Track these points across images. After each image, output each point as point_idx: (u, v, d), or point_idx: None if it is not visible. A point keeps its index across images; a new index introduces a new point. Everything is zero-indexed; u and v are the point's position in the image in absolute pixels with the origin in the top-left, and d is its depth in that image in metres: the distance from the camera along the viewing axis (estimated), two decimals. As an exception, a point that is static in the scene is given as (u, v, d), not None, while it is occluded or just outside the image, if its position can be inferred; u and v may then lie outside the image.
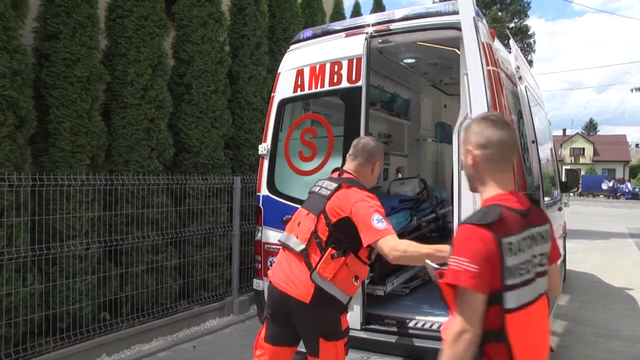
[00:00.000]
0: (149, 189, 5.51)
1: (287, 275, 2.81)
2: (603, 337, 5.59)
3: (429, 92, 7.31)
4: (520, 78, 4.32)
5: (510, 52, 4.50)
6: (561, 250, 6.92)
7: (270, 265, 3.90)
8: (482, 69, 2.89)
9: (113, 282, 5.25)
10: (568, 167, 43.83)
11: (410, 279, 4.84)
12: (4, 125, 4.23)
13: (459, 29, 3.23)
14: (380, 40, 4.05)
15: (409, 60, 5.80)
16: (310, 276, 2.72)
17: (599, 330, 5.86)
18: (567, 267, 8.38)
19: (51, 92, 4.83)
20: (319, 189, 2.93)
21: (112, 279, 5.24)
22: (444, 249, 2.46)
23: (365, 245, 2.66)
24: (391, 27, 3.94)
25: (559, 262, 2.08)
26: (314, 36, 4.36)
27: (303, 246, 2.79)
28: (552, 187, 5.70)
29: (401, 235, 4.07)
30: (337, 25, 4.38)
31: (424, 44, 4.70)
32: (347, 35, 4.16)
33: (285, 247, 2.92)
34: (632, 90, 20.47)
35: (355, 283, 2.81)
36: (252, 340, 3.22)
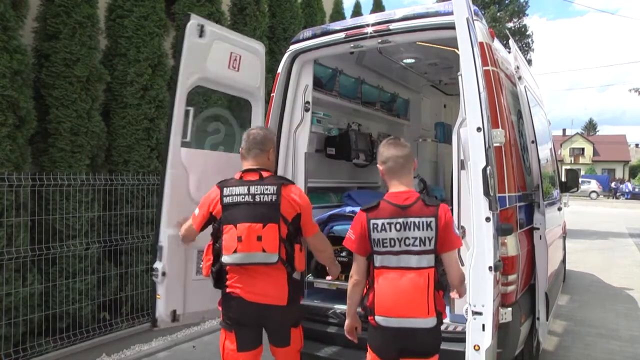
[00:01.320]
0: (148, 189, 5.51)
1: (260, 288, 2.90)
2: (603, 337, 5.59)
3: (428, 92, 7.31)
4: (519, 78, 4.33)
5: (509, 52, 4.51)
6: (561, 250, 6.95)
7: None
8: (476, 70, 2.89)
9: (113, 282, 5.25)
10: (568, 167, 43.82)
11: None
12: (4, 125, 4.23)
13: (457, 29, 3.23)
14: (379, 40, 4.05)
15: (409, 61, 5.80)
16: (292, 275, 2.96)
17: (599, 330, 5.86)
18: (567, 267, 8.39)
19: (51, 92, 4.84)
20: (252, 198, 2.89)
21: (112, 279, 5.24)
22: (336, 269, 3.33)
23: (310, 235, 3.06)
24: (391, 27, 3.93)
25: (453, 252, 2.72)
26: (314, 36, 4.35)
27: (277, 255, 2.87)
28: (551, 187, 5.70)
29: None
30: (337, 25, 4.37)
31: (424, 44, 4.70)
32: (346, 36, 4.16)
33: (248, 265, 2.88)
34: (630, 90, 20.43)
35: None
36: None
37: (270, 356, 3.17)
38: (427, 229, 2.59)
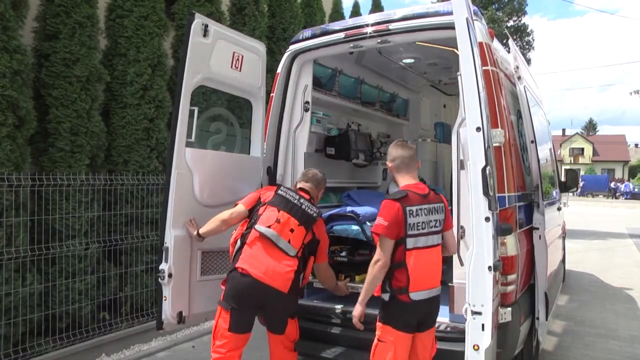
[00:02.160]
0: (148, 189, 5.51)
1: (266, 267, 3.26)
2: (602, 337, 5.59)
3: (428, 92, 7.31)
4: (519, 78, 4.33)
5: (509, 52, 4.51)
6: (560, 250, 6.95)
7: None
8: (475, 70, 2.89)
9: (112, 282, 5.25)
10: (567, 167, 43.78)
11: None
12: (4, 125, 4.23)
13: (457, 29, 3.23)
14: (379, 40, 4.05)
15: (408, 61, 5.80)
16: (299, 277, 3.37)
17: (598, 330, 5.86)
18: (567, 267, 8.39)
19: (51, 92, 4.83)
20: (300, 204, 3.48)
21: (112, 278, 5.24)
22: (343, 287, 3.88)
23: (322, 262, 3.65)
24: (390, 27, 3.93)
25: (453, 230, 3.24)
26: (314, 36, 4.36)
27: (296, 251, 3.35)
28: (551, 187, 5.70)
29: None
30: (336, 25, 4.38)
31: (423, 44, 4.70)
32: (346, 36, 4.16)
33: (269, 241, 3.33)
34: (630, 93, 20.31)
35: None
36: (251, 340, 3.27)
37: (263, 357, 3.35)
38: (441, 212, 3.13)
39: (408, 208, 2.98)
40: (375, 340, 3.07)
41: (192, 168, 3.69)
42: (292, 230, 3.37)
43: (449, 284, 3.60)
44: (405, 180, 3.17)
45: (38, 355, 4.41)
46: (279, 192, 3.55)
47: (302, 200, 3.50)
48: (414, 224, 2.99)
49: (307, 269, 3.51)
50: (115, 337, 5.04)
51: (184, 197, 3.62)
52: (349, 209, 4.28)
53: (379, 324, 3.08)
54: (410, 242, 2.98)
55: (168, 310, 3.54)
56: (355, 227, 4.12)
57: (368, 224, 4.05)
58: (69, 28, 4.90)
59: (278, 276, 3.26)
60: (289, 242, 3.34)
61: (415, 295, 2.97)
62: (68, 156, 4.88)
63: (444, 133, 7.21)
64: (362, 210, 4.24)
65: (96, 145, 5.15)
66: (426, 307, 3.05)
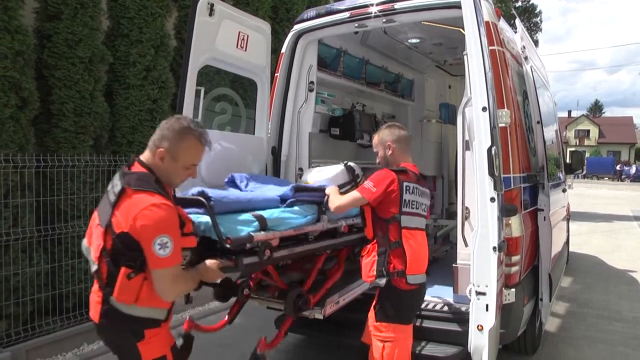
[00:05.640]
0: (152, 170, 5.50)
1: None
2: (605, 319, 5.62)
3: (433, 72, 7.24)
4: (526, 58, 4.28)
5: (516, 32, 4.45)
6: (564, 232, 6.95)
7: None
8: (482, 49, 2.87)
9: (118, 262, 5.29)
10: (573, 149, 43.54)
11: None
12: (7, 107, 4.22)
13: (464, 8, 3.18)
14: (384, 20, 4.00)
15: (413, 41, 5.74)
16: (109, 302, 2.17)
17: (601, 311, 5.89)
18: (571, 249, 8.40)
19: (53, 73, 4.81)
20: (109, 189, 2.26)
21: (117, 259, 5.27)
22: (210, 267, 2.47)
23: (152, 267, 2.13)
24: (396, 6, 3.89)
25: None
26: (318, 15, 4.31)
27: (96, 267, 2.23)
28: (556, 168, 5.67)
29: (302, 241, 3.09)
30: (341, 5, 4.33)
31: (429, 23, 4.64)
32: (351, 15, 4.11)
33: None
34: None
35: None
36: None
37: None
38: (427, 198, 3.06)
39: (405, 183, 2.87)
40: (379, 343, 2.84)
41: None
42: (90, 235, 2.36)
43: (453, 265, 3.61)
44: (405, 160, 3.07)
45: (46, 334, 4.47)
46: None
47: (114, 182, 2.26)
48: (409, 201, 2.87)
49: (117, 286, 2.13)
50: (122, 316, 5.08)
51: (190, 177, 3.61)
52: (195, 190, 2.78)
53: (382, 324, 2.85)
54: (404, 220, 2.84)
55: None
56: (203, 219, 2.60)
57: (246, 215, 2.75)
58: (70, 9, 4.84)
59: (91, 301, 2.31)
60: (92, 252, 2.31)
61: (412, 279, 2.82)
62: (72, 137, 4.87)
63: (449, 114, 7.16)
64: (219, 193, 2.82)
65: (100, 126, 5.14)
66: (421, 294, 3.00)
